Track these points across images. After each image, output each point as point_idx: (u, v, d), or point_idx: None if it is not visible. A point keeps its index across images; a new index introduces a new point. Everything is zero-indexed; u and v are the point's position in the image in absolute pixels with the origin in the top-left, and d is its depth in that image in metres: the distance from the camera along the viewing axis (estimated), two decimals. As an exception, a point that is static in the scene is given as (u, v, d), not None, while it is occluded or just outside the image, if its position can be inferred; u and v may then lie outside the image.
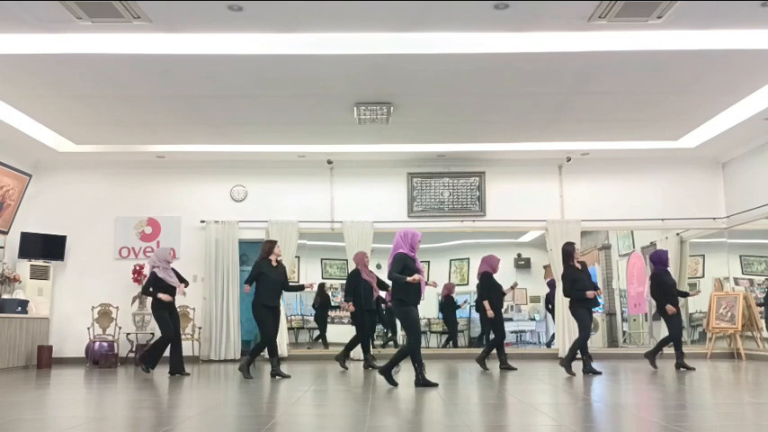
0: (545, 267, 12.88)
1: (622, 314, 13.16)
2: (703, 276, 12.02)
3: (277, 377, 7.49)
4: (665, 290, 8.32)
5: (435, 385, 6.31)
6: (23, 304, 10.01)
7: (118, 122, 9.34)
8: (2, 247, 10.30)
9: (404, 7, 6.24)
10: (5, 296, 9.98)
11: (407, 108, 8.78)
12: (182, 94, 8.22)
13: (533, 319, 13.79)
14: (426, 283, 6.57)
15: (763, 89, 8.30)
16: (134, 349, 10.34)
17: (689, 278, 12.05)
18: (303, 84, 7.89)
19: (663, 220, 11.29)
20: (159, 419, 4.69)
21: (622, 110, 8.95)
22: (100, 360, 9.82)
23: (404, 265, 6.34)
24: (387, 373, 6.53)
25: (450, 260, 13.48)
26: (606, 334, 12.89)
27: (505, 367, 8.50)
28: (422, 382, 6.32)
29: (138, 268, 10.65)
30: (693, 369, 8.12)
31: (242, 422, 4.45)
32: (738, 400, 5.46)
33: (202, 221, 11.13)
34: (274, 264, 7.88)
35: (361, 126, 9.23)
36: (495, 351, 8.75)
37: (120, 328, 10.44)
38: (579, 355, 7.79)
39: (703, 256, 12.07)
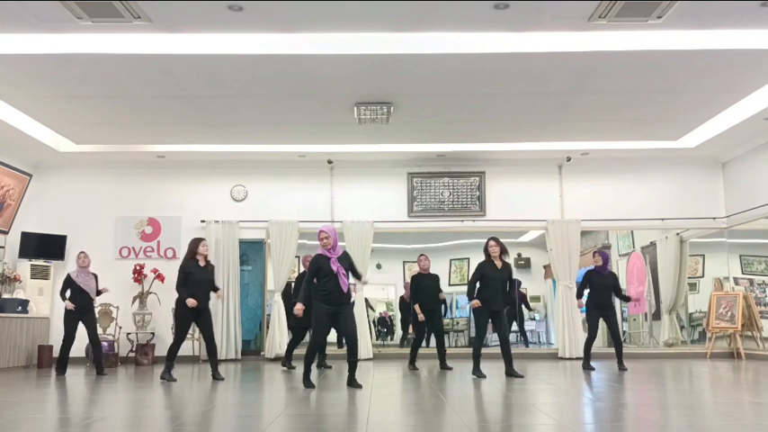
0: (545, 267, 12.88)
1: (622, 314, 13.15)
2: (703, 276, 12.03)
3: (163, 380, 7.30)
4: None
5: (312, 387, 6.29)
6: (24, 304, 10.02)
7: (118, 122, 9.35)
8: (2, 247, 10.32)
9: (404, 7, 6.24)
10: (6, 296, 9.99)
11: (407, 108, 8.78)
12: (182, 94, 8.22)
13: (533, 319, 13.80)
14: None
15: (763, 89, 8.30)
16: (134, 349, 10.35)
17: (689, 278, 12.06)
18: (303, 84, 7.89)
19: (663, 219, 11.29)
20: (159, 419, 4.70)
21: (622, 110, 8.95)
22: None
23: (318, 267, 6.34)
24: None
25: (450, 260, 13.47)
26: (606, 334, 12.88)
27: (444, 367, 8.51)
28: (306, 383, 6.34)
29: (138, 268, 10.65)
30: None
31: (242, 422, 4.45)
32: (738, 400, 5.46)
33: (202, 221, 11.14)
34: (202, 263, 7.72)
35: (361, 126, 9.23)
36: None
37: (120, 327, 10.46)
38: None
39: (703, 255, 12.08)
